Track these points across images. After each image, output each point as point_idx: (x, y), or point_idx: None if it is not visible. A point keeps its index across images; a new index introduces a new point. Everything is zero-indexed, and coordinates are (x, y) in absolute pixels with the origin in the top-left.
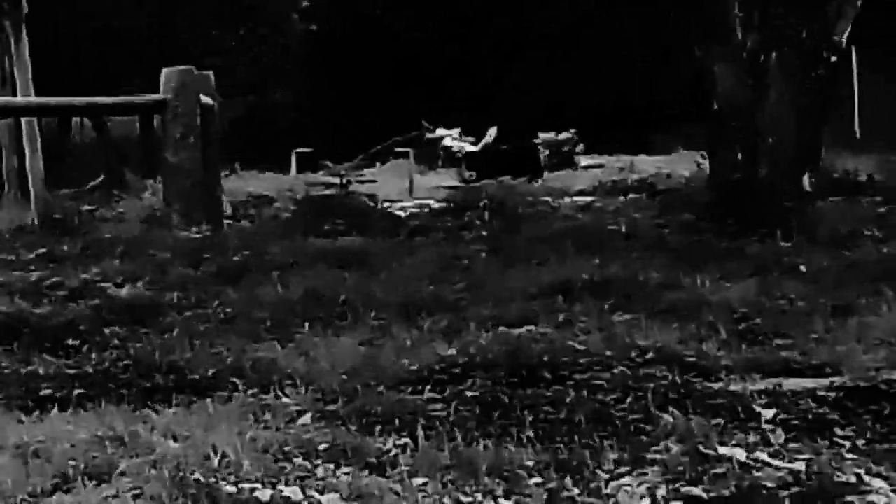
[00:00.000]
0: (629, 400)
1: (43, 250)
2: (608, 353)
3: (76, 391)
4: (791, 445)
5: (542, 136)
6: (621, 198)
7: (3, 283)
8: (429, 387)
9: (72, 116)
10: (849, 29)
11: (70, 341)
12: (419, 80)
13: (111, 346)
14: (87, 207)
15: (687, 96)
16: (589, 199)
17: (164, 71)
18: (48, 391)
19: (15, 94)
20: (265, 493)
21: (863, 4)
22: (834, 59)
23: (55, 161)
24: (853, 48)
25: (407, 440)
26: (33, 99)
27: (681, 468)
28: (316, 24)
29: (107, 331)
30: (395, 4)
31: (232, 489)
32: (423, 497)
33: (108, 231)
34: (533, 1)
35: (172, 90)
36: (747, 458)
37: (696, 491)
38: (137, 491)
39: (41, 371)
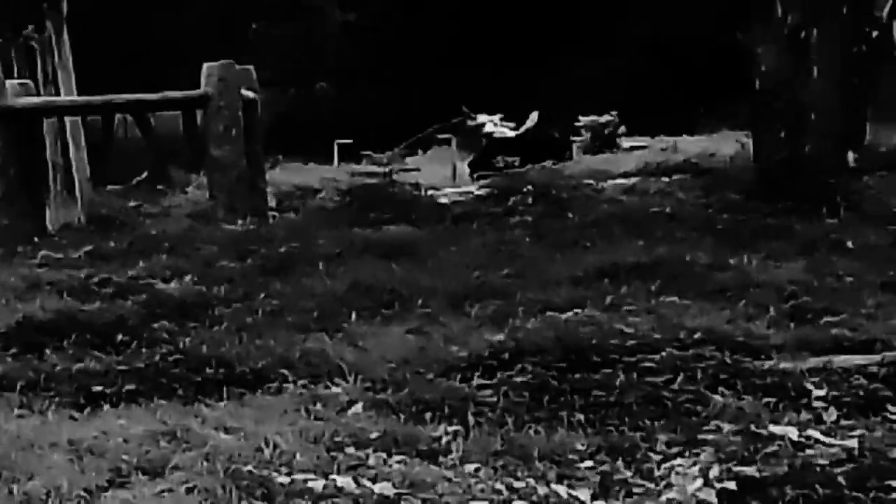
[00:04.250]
0: (679, 381)
1: (90, 248)
2: (657, 335)
3: (127, 387)
4: (843, 423)
5: (584, 119)
6: (665, 179)
7: (52, 281)
8: (478, 373)
9: (114, 114)
10: (890, 4)
11: (120, 337)
12: (458, 66)
13: (160, 341)
14: (132, 204)
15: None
16: (633, 181)
17: (205, 66)
18: (99, 388)
19: (58, 94)
20: (318, 484)
21: None
22: (876, 34)
23: (100, 159)
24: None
25: (458, 427)
26: (76, 98)
27: (733, 448)
28: (354, 15)
29: (156, 326)
30: None
31: (285, 480)
32: (476, 483)
33: (154, 227)
34: None
35: (214, 84)
36: (800, 436)
37: (749, 471)
38: (191, 484)
39: (92, 367)
